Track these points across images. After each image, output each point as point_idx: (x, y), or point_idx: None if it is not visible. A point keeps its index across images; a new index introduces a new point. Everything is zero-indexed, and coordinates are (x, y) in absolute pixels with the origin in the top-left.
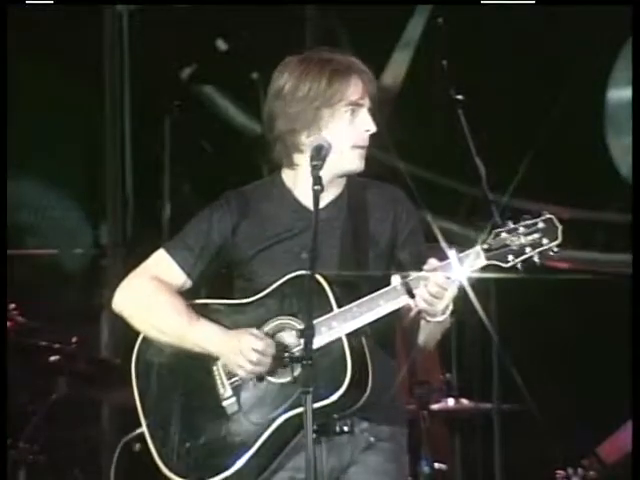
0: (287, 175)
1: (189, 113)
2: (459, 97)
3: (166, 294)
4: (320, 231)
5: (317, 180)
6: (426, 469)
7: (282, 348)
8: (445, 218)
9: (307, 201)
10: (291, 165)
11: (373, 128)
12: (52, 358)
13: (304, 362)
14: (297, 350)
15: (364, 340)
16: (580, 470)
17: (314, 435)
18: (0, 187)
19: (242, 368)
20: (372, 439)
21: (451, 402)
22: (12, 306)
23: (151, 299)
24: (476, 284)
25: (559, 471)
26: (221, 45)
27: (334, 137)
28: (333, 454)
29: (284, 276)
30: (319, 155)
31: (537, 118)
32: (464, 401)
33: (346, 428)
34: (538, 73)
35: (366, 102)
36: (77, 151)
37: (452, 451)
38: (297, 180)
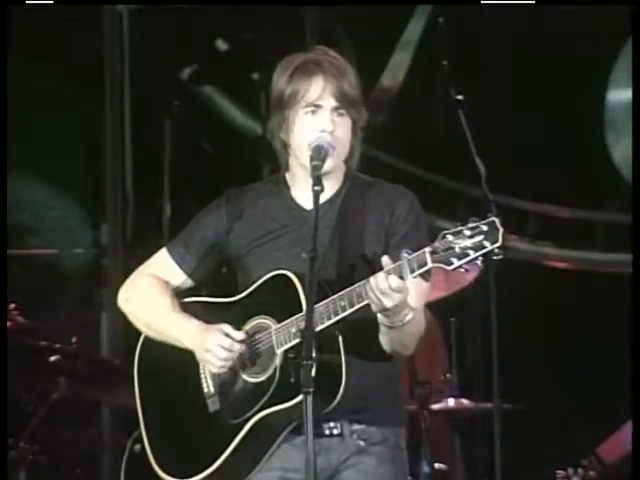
0: (287, 174)
1: (189, 113)
2: (459, 97)
3: (157, 291)
4: (311, 229)
5: (317, 180)
6: (426, 469)
7: (257, 348)
8: (445, 218)
9: (302, 200)
10: (286, 166)
11: (328, 128)
12: (52, 358)
13: (304, 362)
14: (265, 348)
15: (341, 341)
16: (580, 470)
17: (302, 435)
18: (0, 187)
19: (210, 364)
20: (362, 443)
21: (451, 402)
22: (12, 306)
23: (143, 295)
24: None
25: (559, 471)
26: (221, 45)
27: (297, 139)
28: (322, 455)
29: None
30: (319, 155)
31: (537, 118)
32: (464, 401)
33: (335, 431)
34: (538, 73)
35: (327, 102)
36: (77, 151)
37: (452, 451)
38: (293, 180)
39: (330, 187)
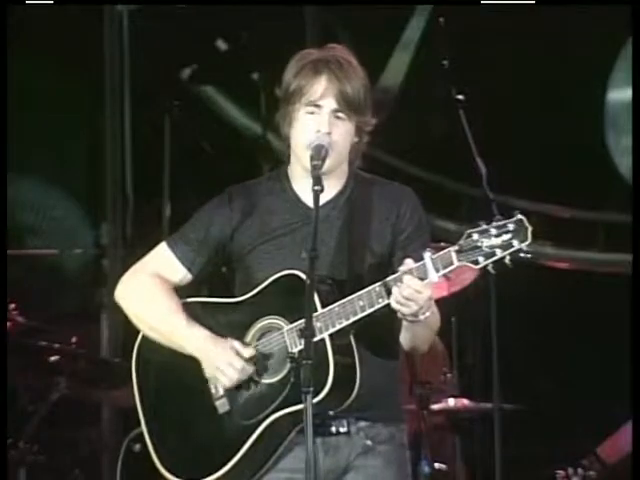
0: (289, 170)
1: (189, 113)
2: (459, 97)
3: (161, 292)
4: (318, 229)
5: (317, 180)
6: (426, 469)
7: (269, 349)
8: (445, 218)
9: (305, 197)
10: (288, 159)
11: (324, 129)
12: (52, 358)
13: (304, 362)
14: (278, 349)
15: (353, 340)
16: (580, 470)
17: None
18: (0, 187)
19: (221, 383)
20: (369, 442)
21: (452, 402)
22: (12, 306)
23: (147, 295)
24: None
25: (559, 471)
26: (221, 45)
27: (296, 136)
28: (330, 455)
29: (278, 272)
30: (319, 155)
31: (537, 118)
32: (464, 401)
33: (342, 429)
34: (538, 73)
35: (327, 103)
36: (77, 151)
37: (452, 451)
38: (295, 176)
39: (332, 186)
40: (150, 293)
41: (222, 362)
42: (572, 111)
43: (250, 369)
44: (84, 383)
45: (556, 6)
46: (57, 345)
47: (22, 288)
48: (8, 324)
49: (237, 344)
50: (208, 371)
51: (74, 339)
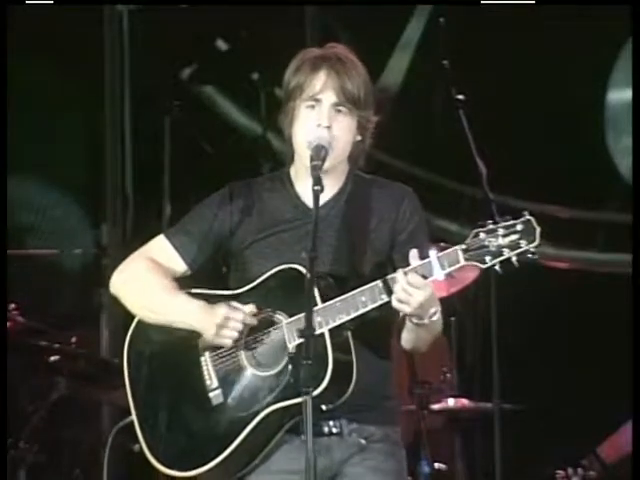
0: (292, 170)
1: (189, 113)
2: (459, 97)
3: (157, 275)
4: (317, 229)
5: (317, 180)
6: (426, 469)
7: (266, 342)
8: (445, 218)
9: (305, 197)
10: (291, 159)
11: (324, 122)
12: (52, 358)
13: (304, 362)
14: (275, 342)
15: (350, 337)
16: (580, 470)
17: (301, 436)
18: (0, 187)
19: (224, 338)
20: (363, 441)
21: (451, 402)
22: (12, 306)
23: (143, 280)
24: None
25: (559, 471)
26: (221, 45)
27: (297, 132)
28: (323, 455)
29: (276, 267)
30: (319, 155)
31: (537, 118)
32: (464, 401)
33: (335, 430)
34: (538, 73)
35: (327, 97)
36: (77, 151)
37: (452, 451)
38: (297, 175)
39: (332, 184)
40: (145, 274)
41: (221, 317)
42: (572, 111)
43: (253, 321)
44: (84, 383)
45: (556, 6)
46: (57, 345)
47: (22, 288)
48: (8, 324)
49: (234, 303)
50: (209, 334)
51: (74, 339)
